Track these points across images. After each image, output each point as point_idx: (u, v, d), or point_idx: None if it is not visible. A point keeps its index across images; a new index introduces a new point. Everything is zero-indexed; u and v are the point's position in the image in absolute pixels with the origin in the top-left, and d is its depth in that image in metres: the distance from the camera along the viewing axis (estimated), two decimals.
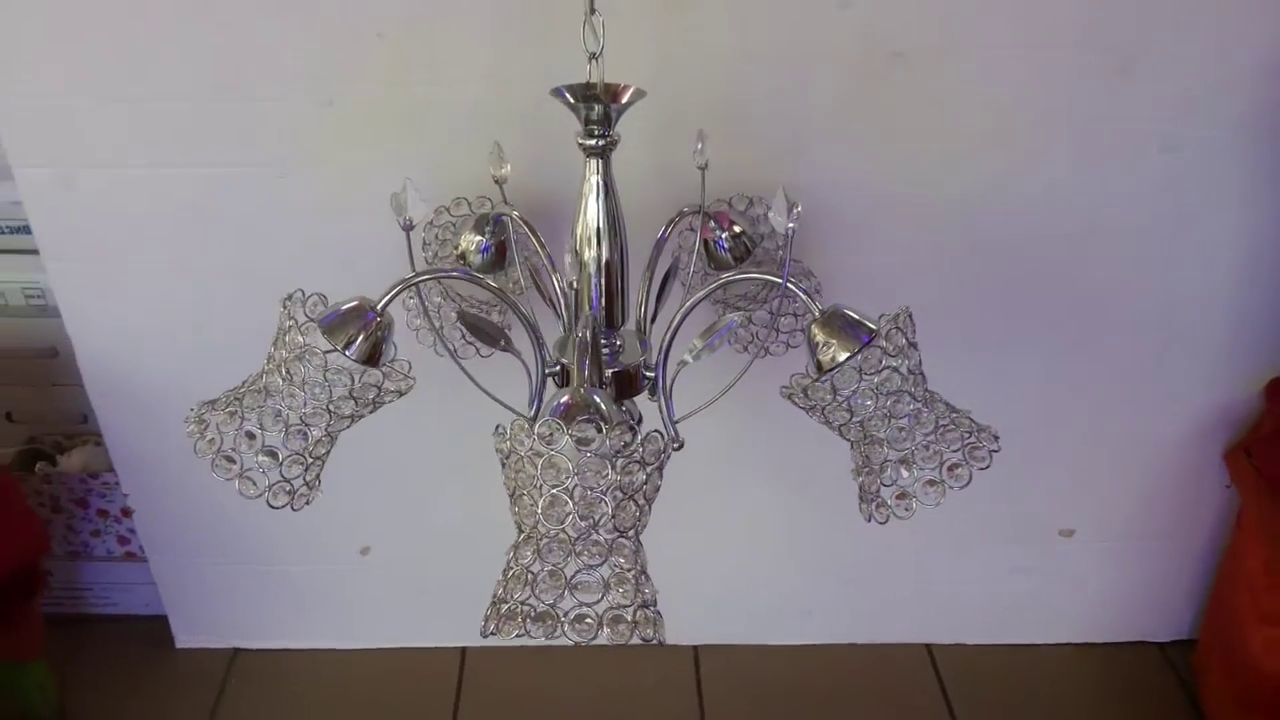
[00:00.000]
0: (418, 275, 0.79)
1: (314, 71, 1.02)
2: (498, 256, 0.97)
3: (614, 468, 0.62)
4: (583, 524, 0.62)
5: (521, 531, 0.65)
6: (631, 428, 0.64)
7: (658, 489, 0.66)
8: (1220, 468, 1.29)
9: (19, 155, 1.07)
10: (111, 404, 1.25)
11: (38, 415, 1.42)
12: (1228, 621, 1.30)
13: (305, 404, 0.77)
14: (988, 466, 0.76)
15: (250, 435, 0.76)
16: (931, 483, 0.76)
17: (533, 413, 0.87)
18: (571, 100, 0.78)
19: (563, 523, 0.62)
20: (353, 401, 0.78)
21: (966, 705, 1.40)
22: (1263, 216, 1.12)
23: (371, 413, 0.80)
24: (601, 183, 0.81)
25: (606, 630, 0.60)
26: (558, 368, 0.87)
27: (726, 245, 0.96)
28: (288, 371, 0.76)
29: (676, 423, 0.87)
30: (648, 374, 0.87)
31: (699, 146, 0.88)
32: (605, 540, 0.62)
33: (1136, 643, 1.48)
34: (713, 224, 0.95)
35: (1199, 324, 1.20)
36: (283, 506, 0.79)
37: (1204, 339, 1.21)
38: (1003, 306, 1.18)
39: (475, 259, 0.96)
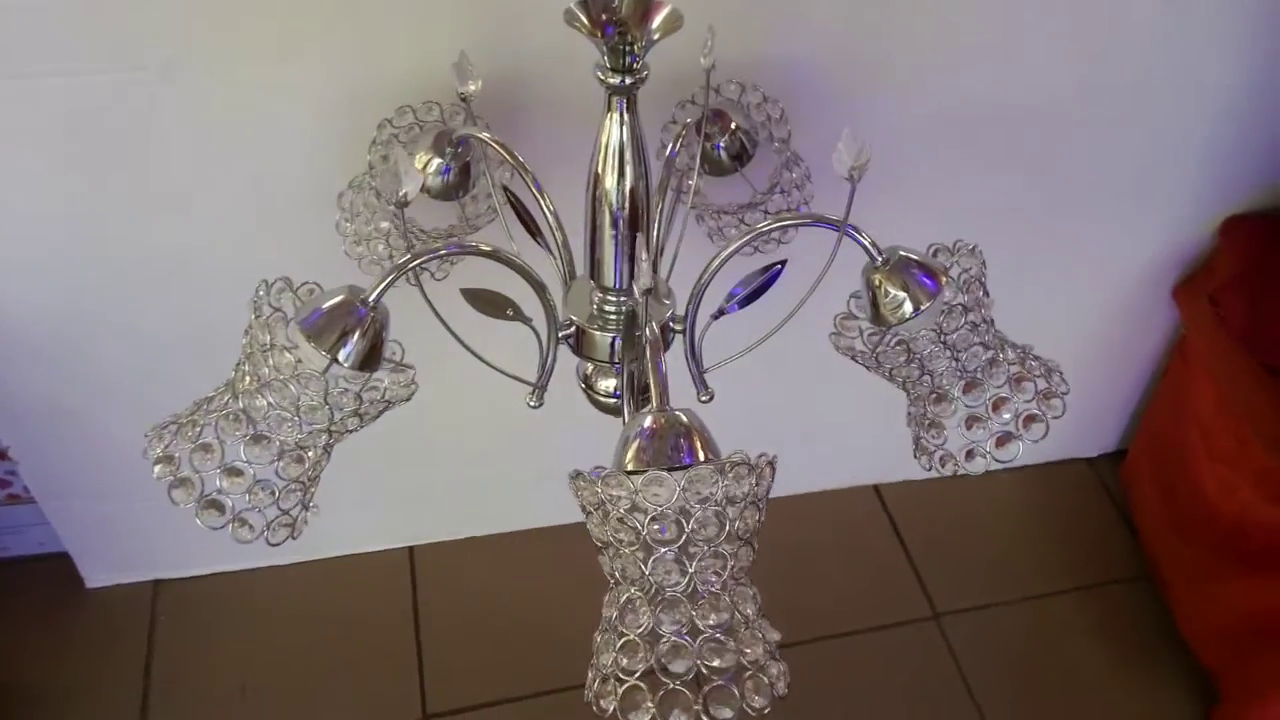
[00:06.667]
0: (413, 258, 0.65)
1: None
2: (461, 178, 0.83)
3: (730, 516, 0.54)
4: (699, 580, 0.54)
5: (619, 584, 0.56)
6: (744, 460, 0.55)
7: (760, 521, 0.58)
8: (1167, 302, 1.31)
9: None
10: None
11: None
12: (1167, 449, 1.34)
13: (302, 428, 0.64)
14: (1061, 415, 0.72)
15: (236, 472, 0.63)
16: (1003, 440, 0.71)
17: (543, 379, 0.76)
18: (589, 24, 0.63)
19: (672, 578, 0.53)
20: (358, 419, 0.65)
21: (917, 539, 1.44)
22: (1245, 60, 1.08)
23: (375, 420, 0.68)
24: (624, 130, 0.67)
25: (752, 698, 0.53)
26: (571, 329, 0.76)
27: (723, 145, 0.85)
28: (276, 395, 0.62)
29: (705, 372, 0.78)
30: (675, 327, 0.76)
31: (708, 45, 0.74)
32: (725, 593, 0.55)
33: (1067, 460, 1.54)
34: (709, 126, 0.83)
35: (1169, 165, 1.17)
36: (283, 542, 0.67)
37: (1173, 179, 1.19)
38: (987, 163, 1.12)
39: (433, 182, 0.82)
